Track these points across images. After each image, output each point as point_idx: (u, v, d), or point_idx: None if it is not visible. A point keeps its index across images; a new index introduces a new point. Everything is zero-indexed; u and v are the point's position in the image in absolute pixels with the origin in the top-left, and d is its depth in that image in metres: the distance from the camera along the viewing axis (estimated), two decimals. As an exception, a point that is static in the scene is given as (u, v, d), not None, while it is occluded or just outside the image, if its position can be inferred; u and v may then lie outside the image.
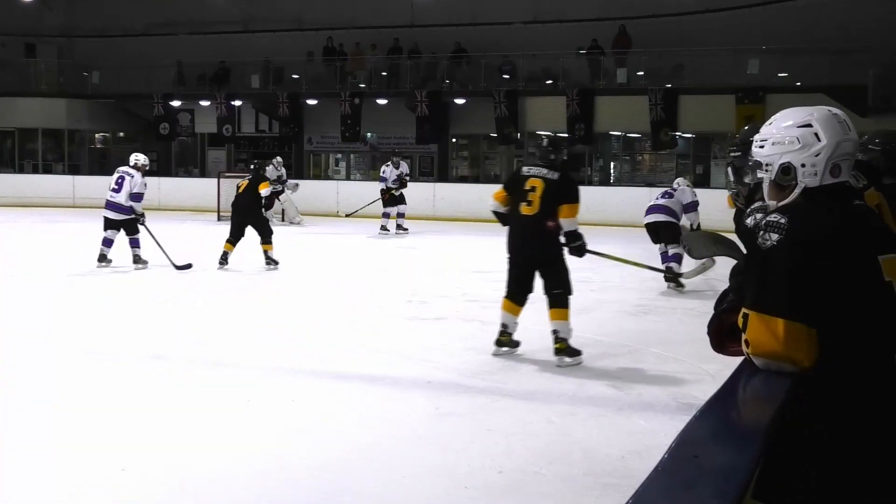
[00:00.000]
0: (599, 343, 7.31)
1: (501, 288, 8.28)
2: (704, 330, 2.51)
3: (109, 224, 11.52)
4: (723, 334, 2.47)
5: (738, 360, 2.39)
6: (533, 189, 6.67)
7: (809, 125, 2.37)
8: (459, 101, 26.00)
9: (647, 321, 8.55)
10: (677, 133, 23.72)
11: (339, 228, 18.58)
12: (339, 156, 29.00)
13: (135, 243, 11.63)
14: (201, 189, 23.73)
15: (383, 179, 17.49)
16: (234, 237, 11.85)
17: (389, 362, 6.54)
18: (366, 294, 9.81)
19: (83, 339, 7.20)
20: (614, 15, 24.39)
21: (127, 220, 11.46)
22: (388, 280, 10.99)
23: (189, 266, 11.38)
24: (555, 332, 6.65)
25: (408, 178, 17.75)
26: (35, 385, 5.79)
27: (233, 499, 3.93)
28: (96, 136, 31.07)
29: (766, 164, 2.44)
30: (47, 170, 28.79)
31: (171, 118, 28.44)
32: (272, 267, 11.70)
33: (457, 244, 16.02)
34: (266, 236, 11.85)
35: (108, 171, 28.41)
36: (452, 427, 5.02)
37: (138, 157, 11.95)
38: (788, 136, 2.39)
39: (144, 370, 6.26)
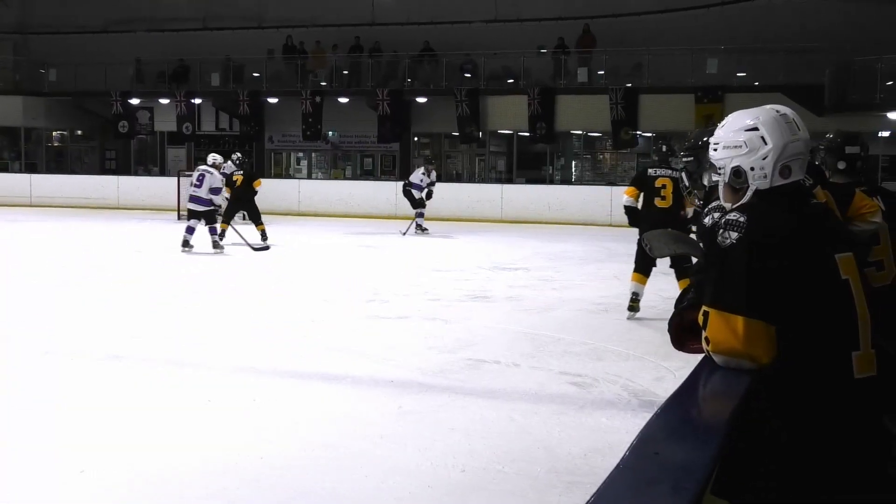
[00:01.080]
0: (561, 341, 7.34)
1: (463, 287, 8.30)
2: (665, 327, 2.53)
3: (193, 215, 13.67)
4: (683, 332, 2.49)
5: (699, 357, 2.41)
6: (664, 186, 8.28)
7: (756, 128, 2.39)
8: (421, 100, 25.99)
9: (609, 319, 8.59)
10: (637, 132, 23.87)
11: (300, 228, 18.49)
12: (301, 154, 28.89)
13: (213, 231, 13.71)
14: (161, 188, 23.55)
15: (413, 185, 17.45)
16: (228, 218, 14.64)
17: (351, 361, 6.52)
18: (327, 293, 9.78)
19: (39, 338, 7.12)
20: (574, 14, 24.53)
21: (207, 211, 13.58)
22: (350, 279, 10.96)
23: (266, 248, 13.89)
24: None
25: (433, 187, 17.80)
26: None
27: (192, 499, 3.90)
28: (53, 133, 30.71)
29: (720, 168, 2.47)
30: (3, 168, 28.43)
31: (129, 116, 28.15)
32: (262, 245, 14.03)
33: (418, 243, 16.02)
34: (257, 219, 14.95)
35: (66, 170, 28.22)
36: (415, 426, 5.01)
37: (216, 158, 14.48)
38: (736, 139, 2.41)
39: (101, 369, 6.19)
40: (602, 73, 24.72)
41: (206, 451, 4.51)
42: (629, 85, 23.46)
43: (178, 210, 20.99)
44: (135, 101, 28.07)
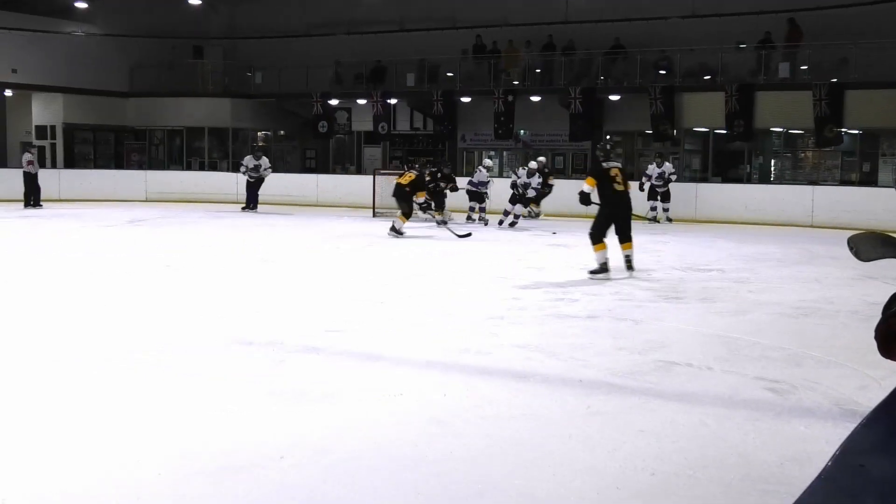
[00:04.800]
0: (756, 345, 7.10)
1: (655, 287, 8.14)
2: (870, 334, 2.39)
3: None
4: (892, 339, 2.35)
5: (908, 366, 2.27)
6: (617, 175, 10.93)
7: None
8: (614, 98, 25.71)
9: (808, 323, 8.24)
10: (843, 129, 22.79)
11: (492, 222, 18.64)
12: (493, 153, 29.13)
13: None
14: (358, 185, 24.26)
15: (522, 184, 18.79)
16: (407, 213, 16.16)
17: (540, 360, 6.52)
18: (516, 291, 9.81)
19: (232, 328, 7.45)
20: (776, 8, 23.61)
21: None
22: (538, 278, 10.95)
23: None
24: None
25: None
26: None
27: (381, 489, 3.99)
28: (259, 133, 32.19)
29: None
30: (213, 167, 30.01)
31: (328, 116, 29.18)
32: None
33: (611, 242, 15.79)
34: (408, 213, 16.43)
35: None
36: (603, 427, 4.96)
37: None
38: None
39: (296, 360, 6.42)
40: (805, 67, 23.72)
41: (393, 444, 4.60)
42: (834, 80, 22.41)
43: (374, 207, 21.57)
44: (334, 102, 29.06)
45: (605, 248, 10.73)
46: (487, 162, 21.11)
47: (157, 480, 4.03)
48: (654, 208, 20.06)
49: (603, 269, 10.65)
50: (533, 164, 19.27)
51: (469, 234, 15.56)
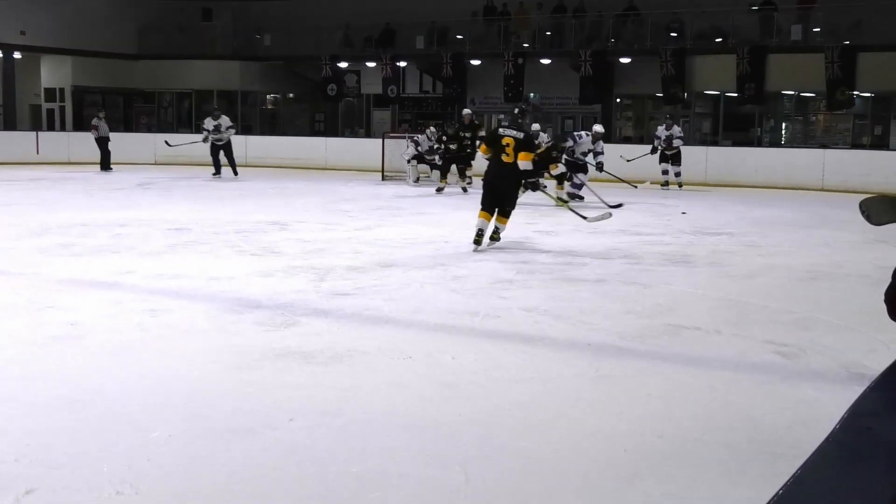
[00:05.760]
0: (765, 309, 7.09)
1: (664, 251, 8.14)
2: (880, 297, 2.39)
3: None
4: (902, 302, 2.35)
5: (918, 329, 2.27)
6: (508, 145, 9.82)
7: None
8: (624, 61, 25.54)
9: (818, 287, 8.23)
10: (855, 92, 22.61)
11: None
12: (502, 116, 29.01)
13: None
14: (367, 149, 24.22)
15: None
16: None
17: (548, 324, 6.53)
18: (524, 255, 9.81)
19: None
20: (789, -31, 23.41)
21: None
22: (546, 242, 10.93)
23: (620, 205, 13.62)
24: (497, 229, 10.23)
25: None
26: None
27: (383, 453, 4.01)
28: (268, 97, 32.08)
29: None
30: (222, 130, 29.91)
31: (338, 79, 29.08)
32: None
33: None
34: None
35: (279, 132, 29.52)
36: (612, 390, 4.97)
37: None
38: None
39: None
40: (818, 30, 23.50)
41: (402, 406, 4.62)
42: (847, 42, 22.20)
43: (383, 171, 21.55)
44: (343, 65, 28.96)
45: (486, 218, 9.98)
46: (597, 128, 17.31)
47: (167, 442, 4.05)
48: (665, 172, 19.46)
49: (475, 239, 9.86)
50: (598, 128, 17.08)
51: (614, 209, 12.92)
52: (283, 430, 4.23)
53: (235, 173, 21.57)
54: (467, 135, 18.56)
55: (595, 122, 18.86)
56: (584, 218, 11.07)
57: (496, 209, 10.09)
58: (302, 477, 3.71)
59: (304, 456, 3.93)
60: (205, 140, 21.51)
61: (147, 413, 4.44)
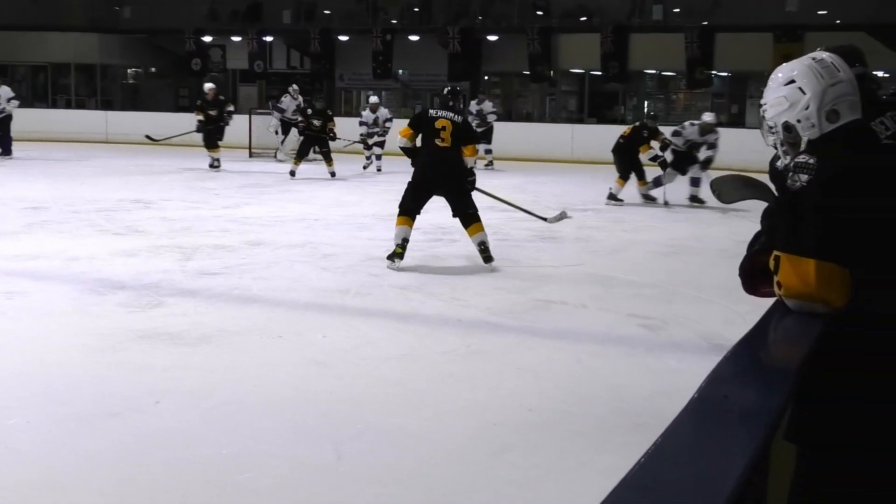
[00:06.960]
0: (631, 283, 7.30)
1: (532, 227, 8.26)
2: (736, 271, 2.49)
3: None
4: (755, 276, 2.45)
5: (770, 301, 2.37)
6: (444, 128, 8.06)
7: (793, 81, 2.37)
8: (492, 38, 25.71)
9: (679, 261, 8.52)
10: (713, 72, 23.37)
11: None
12: (371, 92, 28.88)
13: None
14: (232, 126, 23.71)
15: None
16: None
17: (419, 301, 6.57)
18: (390, 233, 9.79)
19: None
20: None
21: None
22: (418, 218, 10.93)
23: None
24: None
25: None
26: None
27: (261, 431, 3.97)
28: (129, 71, 31.10)
29: (772, 127, 2.44)
30: (80, 105, 28.88)
31: (202, 54, 28.36)
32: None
33: (486, 183, 15.87)
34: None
35: (141, 107, 28.67)
36: (483, 366, 5.05)
37: None
38: (778, 96, 2.40)
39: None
40: (678, 10, 24.17)
41: (273, 386, 4.58)
42: (705, 23, 22.91)
43: (251, 148, 21.19)
44: (208, 39, 28.27)
45: (407, 225, 8.12)
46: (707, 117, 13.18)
47: (26, 427, 3.92)
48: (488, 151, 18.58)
49: (396, 252, 7.90)
50: (709, 117, 13.27)
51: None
52: (150, 413, 4.15)
53: (7, 153, 18.94)
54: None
55: (705, 113, 13.77)
56: (544, 219, 9.56)
57: (457, 217, 8.34)
58: (170, 460, 3.65)
59: (173, 439, 3.86)
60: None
61: (3, 399, 4.28)
